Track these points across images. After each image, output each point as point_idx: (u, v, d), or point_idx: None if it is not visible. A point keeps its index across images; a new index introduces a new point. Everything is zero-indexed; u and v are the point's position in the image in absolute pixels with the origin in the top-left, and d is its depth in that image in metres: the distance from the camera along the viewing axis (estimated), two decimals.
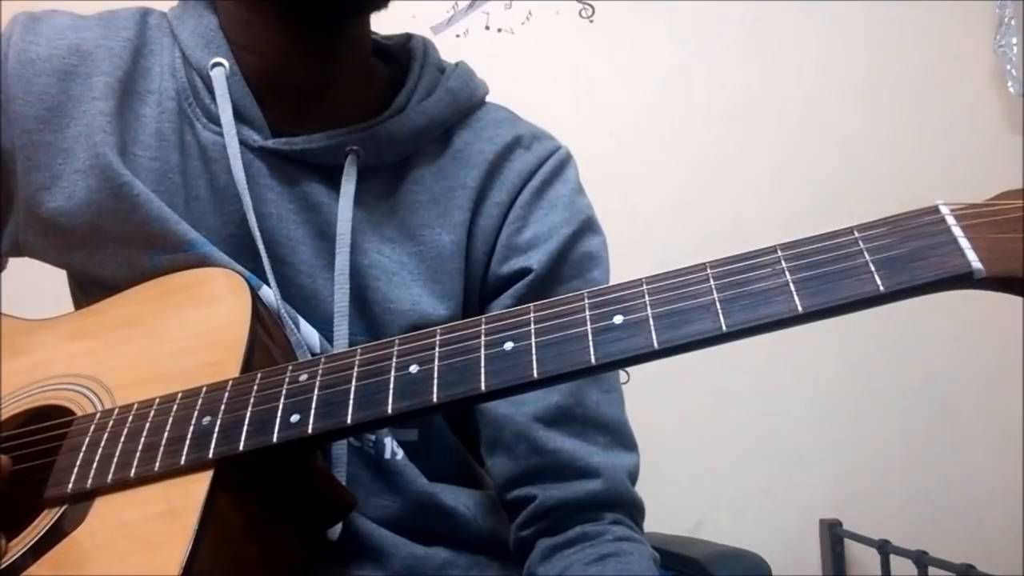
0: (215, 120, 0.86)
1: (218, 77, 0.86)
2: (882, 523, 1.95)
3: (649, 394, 1.79)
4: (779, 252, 0.58)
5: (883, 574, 1.83)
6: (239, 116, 0.86)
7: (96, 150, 0.82)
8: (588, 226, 0.93)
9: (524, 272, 0.89)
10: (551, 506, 0.84)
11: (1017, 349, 2.00)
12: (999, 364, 2.07)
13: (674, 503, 1.93)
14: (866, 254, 0.56)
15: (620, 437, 0.89)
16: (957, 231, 0.54)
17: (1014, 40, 2.12)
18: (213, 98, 0.86)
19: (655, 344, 0.56)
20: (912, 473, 2.08)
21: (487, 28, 2.07)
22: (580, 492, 0.84)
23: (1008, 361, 2.03)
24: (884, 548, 1.82)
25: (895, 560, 1.81)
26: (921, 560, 1.69)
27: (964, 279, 0.53)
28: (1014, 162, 2.07)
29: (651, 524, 0.91)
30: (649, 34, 2.11)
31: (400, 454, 0.86)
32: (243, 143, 0.85)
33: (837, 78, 2.13)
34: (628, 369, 1.76)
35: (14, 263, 0.92)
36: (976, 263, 0.53)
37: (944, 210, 0.56)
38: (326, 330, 0.84)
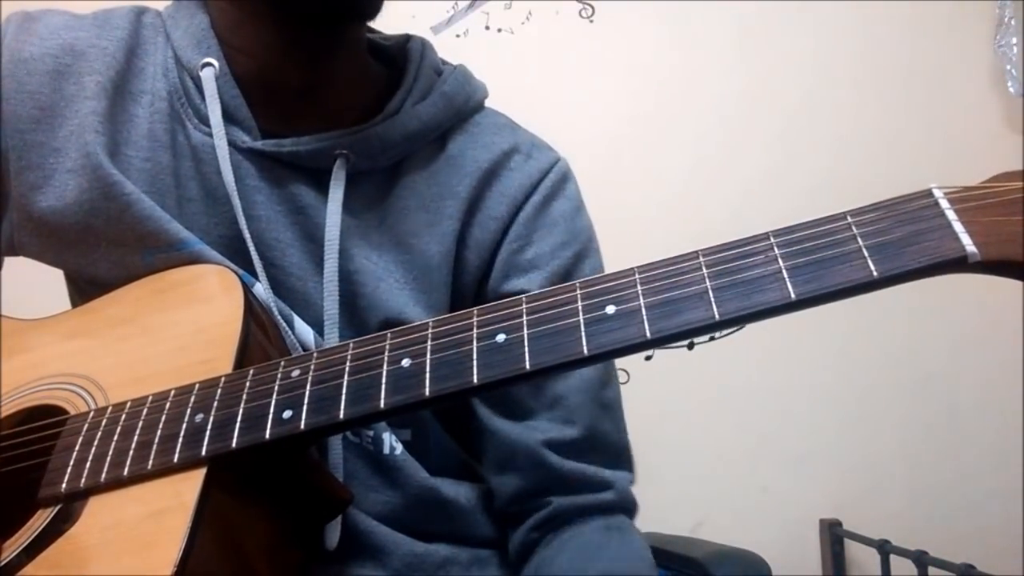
0: (206, 121, 0.85)
1: (207, 77, 0.86)
2: (882, 523, 1.95)
3: (650, 394, 1.79)
4: (771, 239, 0.57)
5: (883, 574, 1.83)
6: (229, 117, 0.86)
7: (87, 150, 0.82)
8: (589, 247, 0.93)
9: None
10: (565, 509, 0.86)
11: (1017, 349, 2.00)
12: (999, 364, 2.07)
13: (674, 503, 1.93)
14: (859, 239, 0.55)
15: (625, 457, 0.92)
16: (951, 215, 0.54)
17: (1014, 40, 2.12)
18: (203, 99, 0.86)
19: (648, 334, 0.56)
20: (912, 473, 2.09)
21: (487, 28, 2.07)
22: (594, 500, 0.87)
23: (1008, 361, 2.03)
24: (884, 548, 1.83)
25: (895, 560, 1.81)
26: (921, 560, 1.69)
27: (959, 263, 0.53)
28: (1014, 162, 2.05)
29: (651, 524, 0.91)
30: (649, 34, 2.11)
31: (399, 449, 0.86)
32: (232, 144, 0.85)
33: (836, 78, 2.13)
34: (629, 369, 1.77)
35: (14, 263, 0.92)
36: (971, 247, 0.52)
37: (938, 193, 0.55)
38: (316, 333, 0.83)
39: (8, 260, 0.92)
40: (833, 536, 2.00)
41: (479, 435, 0.90)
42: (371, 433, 0.85)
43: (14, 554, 0.65)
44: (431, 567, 0.85)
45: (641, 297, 0.57)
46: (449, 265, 0.89)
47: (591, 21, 2.10)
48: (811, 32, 2.14)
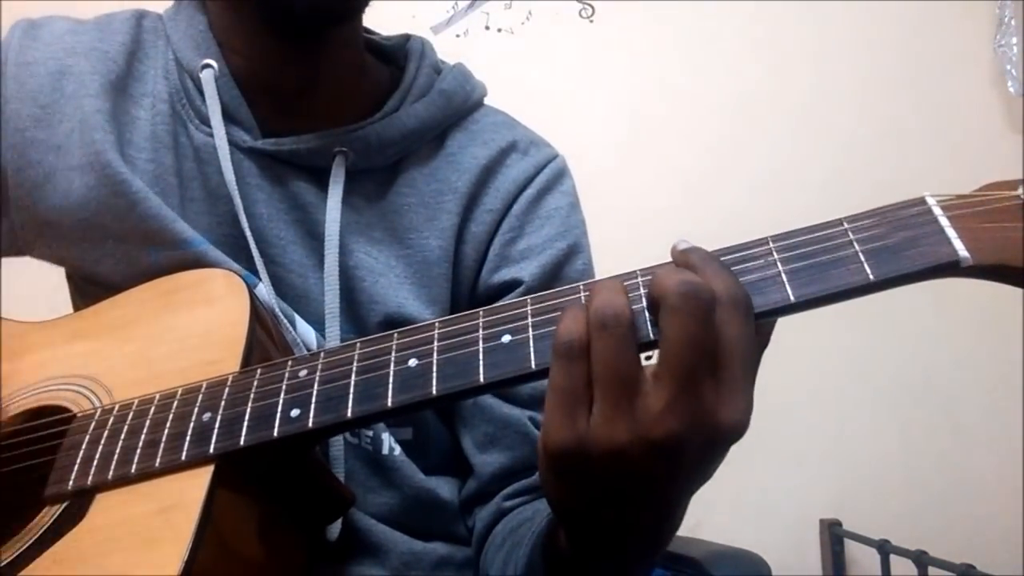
0: (207, 121, 0.87)
1: (207, 79, 0.87)
2: (882, 523, 1.95)
3: None
4: (771, 243, 0.58)
5: (883, 574, 1.83)
6: (229, 117, 0.87)
7: (95, 147, 0.83)
8: (581, 243, 0.94)
9: (515, 284, 0.89)
10: None
11: (1017, 349, 2.00)
12: (999, 364, 2.07)
13: None
14: (855, 244, 0.56)
15: None
16: (944, 221, 0.55)
17: (1014, 40, 2.12)
18: (204, 99, 0.87)
19: (651, 335, 0.56)
20: (912, 473, 2.08)
21: (487, 28, 2.07)
22: None
23: (1008, 361, 2.03)
24: (884, 548, 1.83)
25: (895, 560, 1.81)
26: (921, 560, 1.69)
27: (951, 267, 0.54)
28: (1014, 162, 2.07)
29: None
30: (649, 34, 2.11)
31: (398, 450, 0.86)
32: (233, 143, 0.86)
33: (837, 78, 2.13)
34: None
35: (14, 263, 0.92)
36: (963, 251, 0.54)
37: (931, 201, 0.57)
38: (317, 329, 0.84)
39: (7, 261, 0.92)
40: (833, 536, 2.00)
41: (468, 413, 0.90)
42: (370, 433, 0.86)
43: (21, 551, 0.65)
44: (428, 566, 0.86)
45: (644, 300, 0.57)
46: (449, 260, 0.90)
47: (591, 21, 2.10)
48: (811, 32, 2.14)
